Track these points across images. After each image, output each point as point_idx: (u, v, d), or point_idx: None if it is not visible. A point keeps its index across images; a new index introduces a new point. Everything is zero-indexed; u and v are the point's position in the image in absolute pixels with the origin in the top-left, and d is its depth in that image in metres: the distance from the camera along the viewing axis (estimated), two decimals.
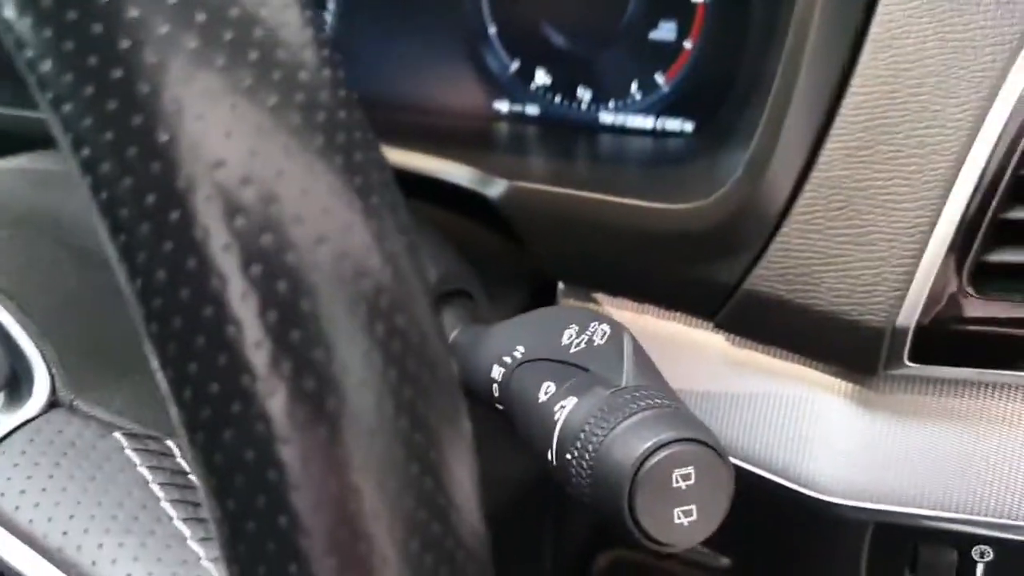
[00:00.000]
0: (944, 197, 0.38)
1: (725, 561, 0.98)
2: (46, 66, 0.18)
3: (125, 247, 0.18)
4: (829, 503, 0.43)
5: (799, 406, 0.44)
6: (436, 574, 0.20)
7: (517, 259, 0.51)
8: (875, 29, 0.39)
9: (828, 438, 0.43)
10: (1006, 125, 0.37)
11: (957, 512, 0.41)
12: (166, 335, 0.18)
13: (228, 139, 0.18)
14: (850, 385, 0.43)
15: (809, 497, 0.43)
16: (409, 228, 0.21)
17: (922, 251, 0.39)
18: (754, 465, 0.44)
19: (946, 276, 0.39)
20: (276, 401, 0.18)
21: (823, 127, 0.41)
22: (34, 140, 0.55)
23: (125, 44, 0.18)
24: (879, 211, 0.40)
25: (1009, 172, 0.38)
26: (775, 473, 0.44)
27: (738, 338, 0.45)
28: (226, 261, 0.18)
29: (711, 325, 0.45)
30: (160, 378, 0.19)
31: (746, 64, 0.50)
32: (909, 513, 0.42)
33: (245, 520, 0.18)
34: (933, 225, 0.39)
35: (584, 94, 0.56)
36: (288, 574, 0.18)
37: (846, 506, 0.42)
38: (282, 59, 0.19)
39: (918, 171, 0.39)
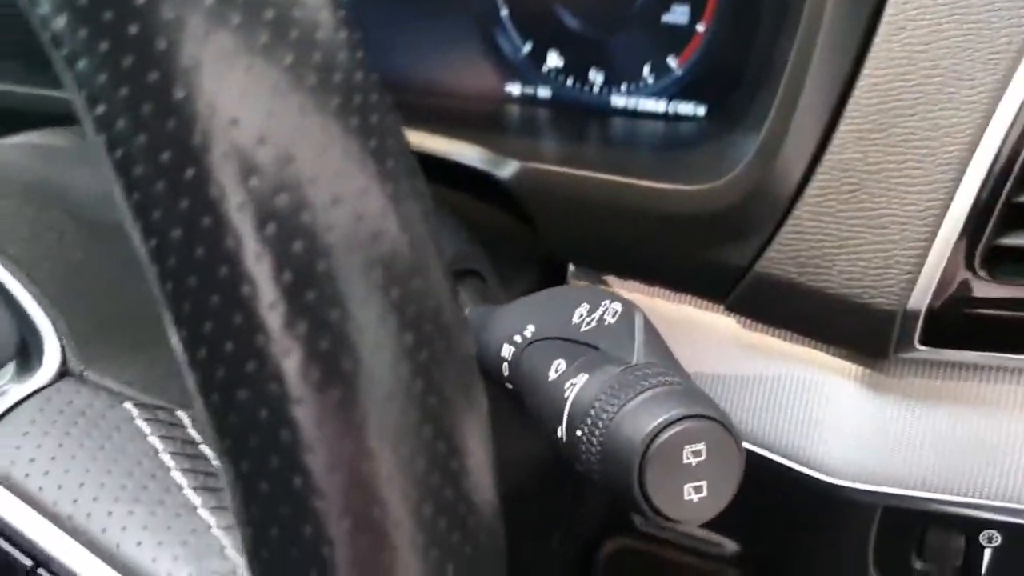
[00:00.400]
0: (957, 180, 0.38)
1: (731, 547, 0.98)
2: (60, 22, 0.18)
3: (140, 205, 0.18)
4: (838, 486, 0.42)
5: (809, 389, 0.43)
6: (448, 539, 0.20)
7: (528, 241, 0.51)
8: (889, 11, 0.39)
9: (838, 421, 0.43)
10: (1021, 108, 0.37)
11: (966, 496, 0.41)
12: (181, 294, 0.18)
13: (244, 97, 0.18)
14: (860, 368, 0.43)
15: (818, 480, 0.43)
16: (425, 194, 0.21)
17: (934, 234, 0.38)
18: (763, 447, 0.44)
19: (958, 259, 0.39)
20: (291, 361, 0.18)
21: (836, 110, 0.41)
22: (42, 118, 0.55)
23: (141, 0, 0.18)
24: (891, 194, 0.39)
25: (1023, 155, 0.37)
26: (784, 455, 0.44)
27: (749, 321, 0.45)
28: (241, 220, 0.18)
29: (722, 308, 0.45)
30: (175, 339, 0.19)
31: (759, 48, 0.49)
32: (917, 497, 0.42)
33: (259, 481, 0.18)
34: (946, 208, 0.38)
35: (596, 77, 0.55)
36: (302, 536, 0.18)
37: (854, 489, 0.42)
38: (298, 18, 0.18)
39: (931, 154, 0.39)
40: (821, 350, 0.43)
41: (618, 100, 0.55)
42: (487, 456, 0.21)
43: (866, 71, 0.40)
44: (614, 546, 1.00)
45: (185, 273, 0.18)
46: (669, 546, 0.97)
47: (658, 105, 0.54)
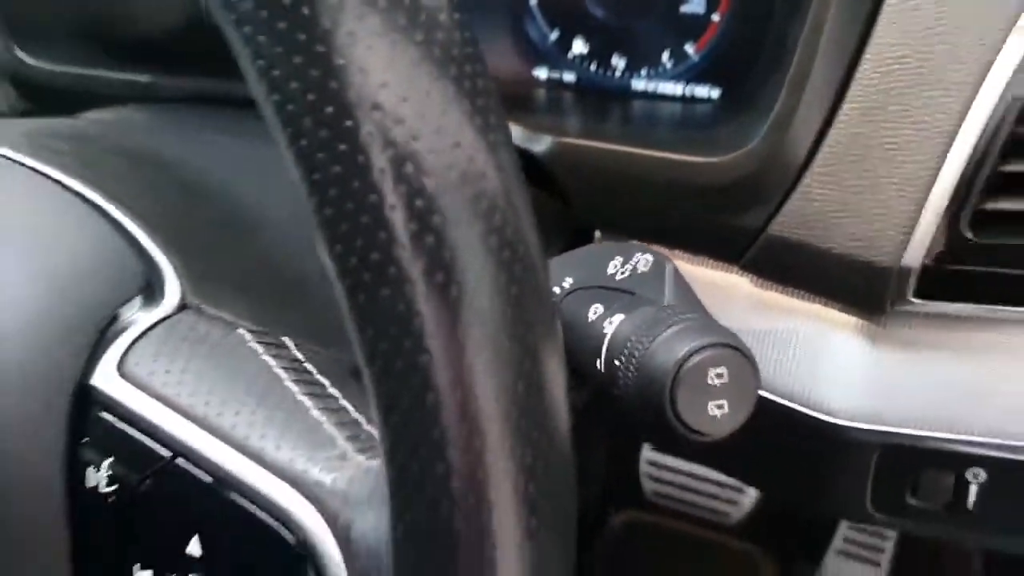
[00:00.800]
0: (947, 152, 0.44)
1: (736, 516, 1.04)
2: (246, 5, 0.24)
3: (305, 149, 0.24)
4: (840, 426, 0.48)
5: (815, 340, 0.49)
6: (529, 437, 0.26)
7: (556, 211, 0.56)
8: (890, 1, 0.45)
9: (841, 369, 0.49)
10: (1005, 87, 0.43)
11: (954, 433, 0.47)
12: (338, 216, 0.24)
13: (389, 66, 0.24)
14: (861, 321, 0.49)
15: (822, 421, 0.49)
16: (512, 144, 0.27)
17: (926, 199, 0.45)
18: (774, 394, 0.50)
19: (947, 222, 0.45)
20: (420, 267, 0.24)
21: (841, 89, 0.47)
22: (95, 98, 0.61)
23: None
24: (890, 164, 0.45)
25: (1006, 130, 0.43)
26: (793, 400, 0.50)
27: (761, 280, 0.51)
28: (387, 159, 0.24)
29: (735, 268, 0.51)
30: (326, 254, 0.25)
31: (770, 35, 0.55)
32: (911, 434, 0.48)
33: (395, 360, 0.24)
34: (936, 176, 0.44)
35: (618, 62, 0.61)
36: (425, 404, 0.24)
37: (855, 428, 0.48)
38: (425, 4, 0.24)
39: (925, 129, 0.45)
40: (825, 305, 0.49)
41: (638, 84, 0.61)
42: (562, 374, 0.27)
43: (868, 55, 0.46)
44: (622, 519, 1.07)
45: (343, 201, 0.24)
46: (676, 517, 1.03)
47: (676, 88, 0.60)
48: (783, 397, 0.50)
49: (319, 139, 0.24)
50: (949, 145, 0.44)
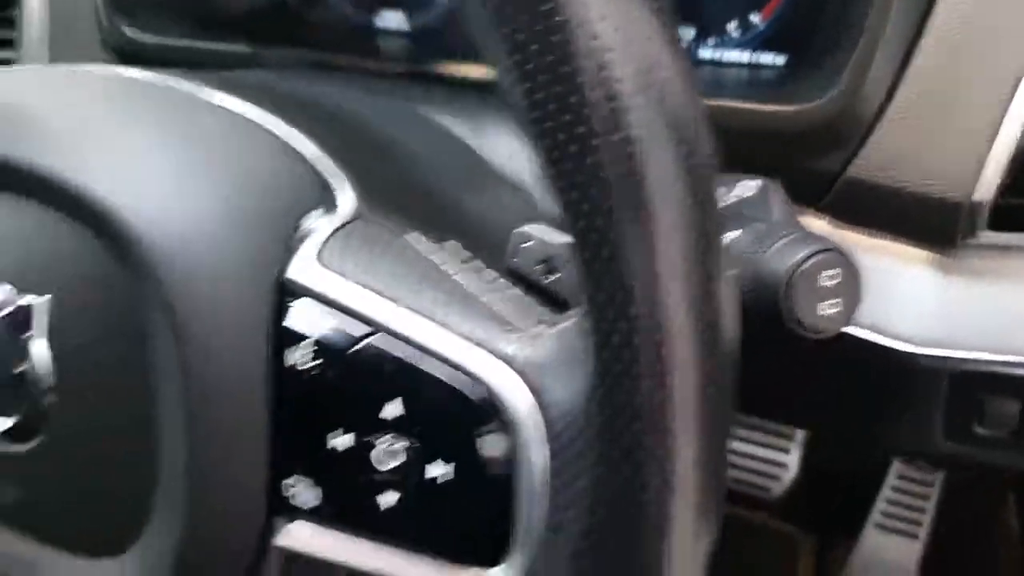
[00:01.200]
0: (1013, 94, 0.51)
1: (777, 491, 1.09)
2: None
3: (521, 42, 0.30)
4: (912, 353, 0.54)
5: (888, 274, 0.55)
6: (703, 285, 0.32)
7: None
8: None
9: (913, 299, 0.55)
10: None
11: (1019, 356, 0.53)
12: (547, 97, 0.30)
13: None
14: (933, 254, 0.55)
15: (896, 350, 0.55)
16: (687, 56, 0.33)
17: (995, 138, 0.51)
18: (851, 325, 0.56)
19: (1015, 158, 0.51)
20: (617, 138, 0.30)
21: (911, 47, 0.53)
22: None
23: None
24: (960, 109, 0.52)
25: None
26: (869, 330, 0.56)
27: (837, 220, 0.57)
28: (593, 49, 0.30)
29: (813, 211, 0.57)
30: (536, 136, 0.31)
31: (834, 2, 0.62)
32: (978, 359, 0.54)
33: (597, 218, 0.31)
34: (1004, 117, 0.51)
35: (687, 33, 0.68)
36: (621, 255, 0.30)
37: (925, 356, 0.54)
38: None
39: (991, 78, 0.51)
40: (898, 241, 0.56)
41: (705, 53, 0.68)
42: (720, 229, 0.33)
43: (936, 14, 0.52)
44: None
45: (552, 84, 0.30)
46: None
47: (742, 56, 0.67)
48: (859, 327, 0.56)
49: (535, 31, 0.30)
50: (1016, 87, 0.51)
